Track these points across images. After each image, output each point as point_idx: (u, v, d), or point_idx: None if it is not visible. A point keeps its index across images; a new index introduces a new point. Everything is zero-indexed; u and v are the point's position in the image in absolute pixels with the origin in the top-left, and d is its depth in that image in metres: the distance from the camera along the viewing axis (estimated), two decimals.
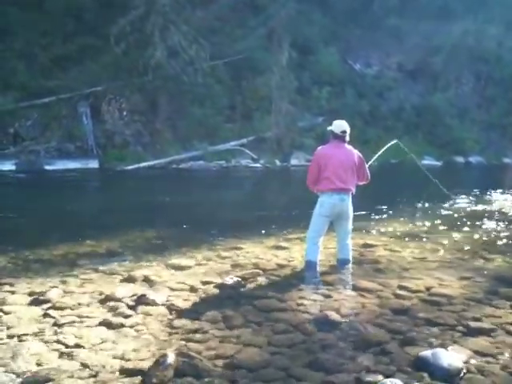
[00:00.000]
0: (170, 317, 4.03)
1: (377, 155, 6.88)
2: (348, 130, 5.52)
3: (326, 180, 5.40)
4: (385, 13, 30.17)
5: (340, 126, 5.54)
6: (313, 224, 5.57)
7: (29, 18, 19.68)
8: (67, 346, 3.44)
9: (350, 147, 5.55)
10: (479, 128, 27.55)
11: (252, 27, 24.62)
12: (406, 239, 7.24)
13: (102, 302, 4.34)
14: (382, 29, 29.09)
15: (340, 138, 5.52)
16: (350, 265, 5.65)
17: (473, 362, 3.29)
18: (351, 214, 5.56)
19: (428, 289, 4.81)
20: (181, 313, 4.11)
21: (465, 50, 28.77)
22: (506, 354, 3.41)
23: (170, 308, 4.20)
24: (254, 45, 23.55)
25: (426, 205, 10.19)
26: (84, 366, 3.16)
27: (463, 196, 11.43)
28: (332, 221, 5.58)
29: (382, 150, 7.08)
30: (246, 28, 24.82)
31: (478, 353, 3.42)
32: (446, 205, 10.39)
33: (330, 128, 5.59)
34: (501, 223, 8.54)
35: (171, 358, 3.10)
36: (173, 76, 20.26)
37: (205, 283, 4.89)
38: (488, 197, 11.58)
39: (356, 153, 5.54)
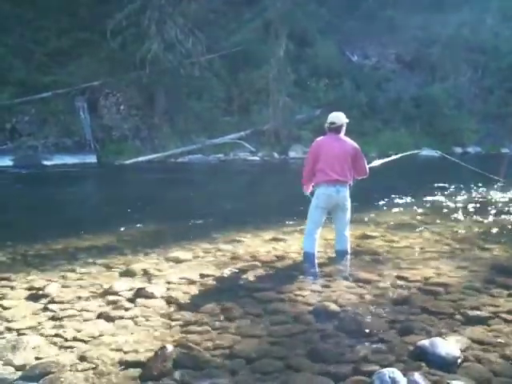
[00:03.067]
0: (169, 309, 4.05)
1: (400, 155, 7.07)
2: (339, 122, 5.49)
3: (321, 172, 5.42)
4: (381, 4, 30.05)
5: (330, 117, 5.56)
6: (310, 216, 5.59)
7: (23, 14, 19.60)
8: (66, 340, 3.45)
9: (346, 139, 5.54)
10: (477, 118, 27.48)
11: (248, 19, 24.54)
12: (404, 230, 7.23)
13: (101, 295, 4.35)
14: (379, 20, 28.98)
15: (332, 130, 5.52)
16: (348, 256, 5.66)
17: (470, 350, 3.30)
18: (349, 205, 5.57)
19: (426, 279, 4.81)
20: (180, 305, 4.12)
21: (461, 40, 28.71)
22: (504, 343, 3.42)
23: (169, 300, 4.21)
24: (250, 37, 23.46)
25: (423, 196, 10.19)
26: (83, 358, 3.17)
27: (461, 186, 11.44)
28: (330, 212, 5.59)
29: (408, 153, 7.28)
30: (242, 20, 24.74)
31: (475, 341, 3.43)
32: (443, 195, 10.40)
33: None
34: (498, 213, 8.55)
35: (170, 349, 3.12)
36: (170, 70, 20.21)
37: (203, 276, 4.90)
38: (485, 186, 11.56)
39: (352, 144, 5.52)
